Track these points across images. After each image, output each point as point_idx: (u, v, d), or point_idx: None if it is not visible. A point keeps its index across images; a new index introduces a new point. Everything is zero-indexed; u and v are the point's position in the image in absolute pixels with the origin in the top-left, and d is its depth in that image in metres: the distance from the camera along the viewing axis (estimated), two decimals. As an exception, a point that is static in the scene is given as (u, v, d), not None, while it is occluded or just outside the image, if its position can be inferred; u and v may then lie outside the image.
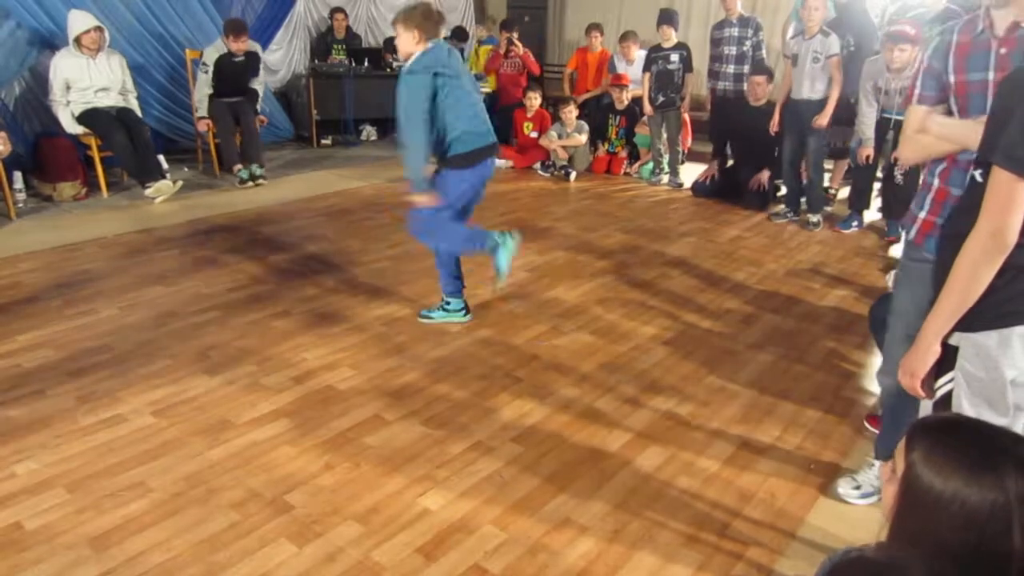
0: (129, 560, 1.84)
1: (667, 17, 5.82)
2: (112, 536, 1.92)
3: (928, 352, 1.55)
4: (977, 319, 1.48)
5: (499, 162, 6.54)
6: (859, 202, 4.95)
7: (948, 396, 1.59)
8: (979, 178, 1.43)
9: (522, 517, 2.05)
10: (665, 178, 6.09)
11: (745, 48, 5.57)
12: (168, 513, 2.01)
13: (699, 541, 1.98)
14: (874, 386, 2.87)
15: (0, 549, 1.86)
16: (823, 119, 4.72)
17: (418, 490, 2.15)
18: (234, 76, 5.64)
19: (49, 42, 5.14)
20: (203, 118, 5.58)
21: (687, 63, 5.83)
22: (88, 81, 4.98)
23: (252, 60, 5.73)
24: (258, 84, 5.85)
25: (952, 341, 1.55)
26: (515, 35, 7.05)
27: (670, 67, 5.80)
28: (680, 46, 5.83)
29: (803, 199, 5.14)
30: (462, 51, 8.17)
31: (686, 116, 6.19)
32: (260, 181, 5.63)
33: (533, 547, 1.94)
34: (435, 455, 2.32)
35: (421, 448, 2.35)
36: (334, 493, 2.12)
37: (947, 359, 1.57)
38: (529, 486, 2.18)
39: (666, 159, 6.18)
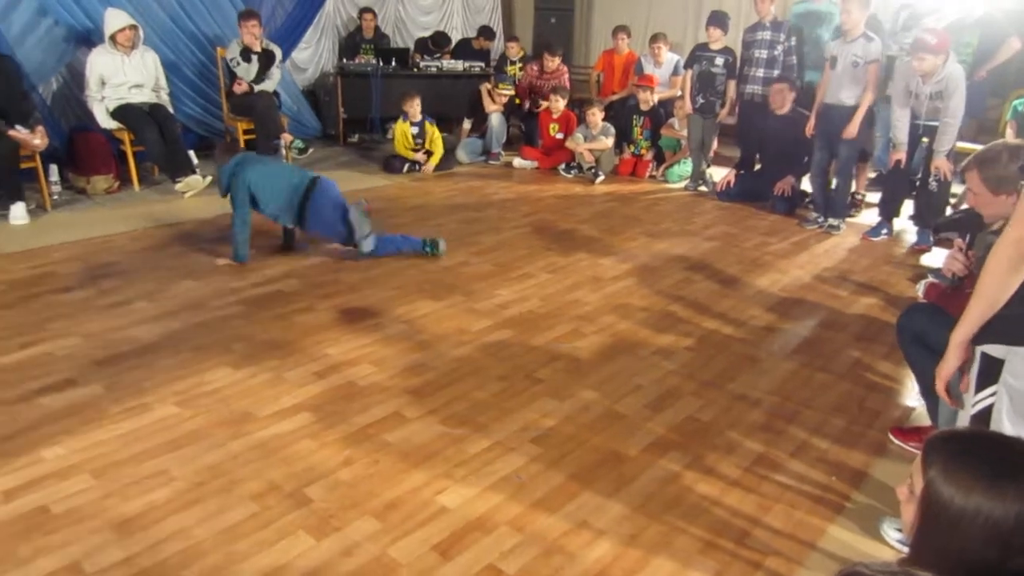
0: (151, 547, 1.87)
1: (717, 18, 5.69)
2: (136, 522, 1.96)
3: (951, 355, 1.57)
4: None
5: (524, 163, 6.61)
6: (889, 209, 4.86)
7: (986, 411, 1.55)
8: None
9: (539, 518, 2.05)
10: (704, 188, 6.00)
11: (776, 52, 5.50)
12: (190, 502, 2.04)
13: (717, 548, 1.96)
14: (900, 398, 2.83)
15: (27, 532, 1.91)
16: (852, 128, 4.64)
17: (436, 488, 2.15)
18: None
19: (85, 39, 5.26)
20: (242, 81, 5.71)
21: (731, 68, 5.72)
22: (122, 77, 5.09)
23: (267, 59, 5.77)
24: (269, 84, 5.83)
25: (998, 355, 1.51)
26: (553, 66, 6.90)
27: (713, 70, 5.72)
28: (726, 50, 5.72)
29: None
30: (488, 52, 8.18)
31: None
32: None
33: (549, 549, 1.93)
34: (453, 454, 2.33)
35: (440, 446, 2.36)
36: (353, 488, 2.14)
37: (989, 373, 1.53)
38: (547, 487, 2.18)
39: (690, 163, 6.13)
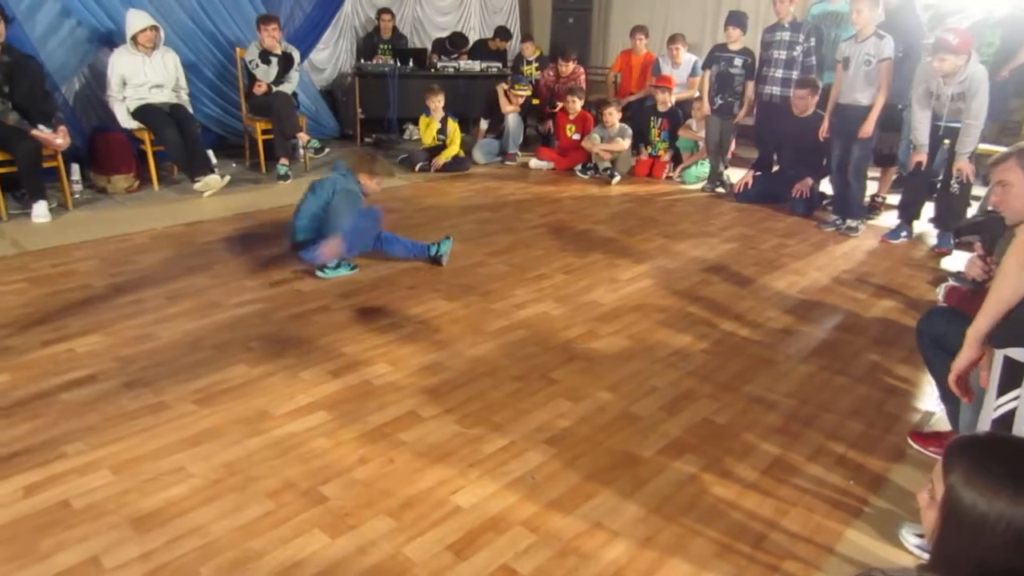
0: (169, 543, 1.89)
1: (735, 19, 5.63)
2: (154, 518, 1.98)
3: (966, 350, 1.60)
4: None
5: (540, 163, 6.61)
6: (908, 212, 4.80)
7: (1009, 415, 1.54)
8: None
9: (554, 519, 2.04)
10: (721, 189, 5.97)
11: (795, 53, 5.45)
12: (207, 499, 2.06)
13: (733, 551, 1.95)
14: (919, 402, 2.79)
15: (48, 527, 1.93)
16: (868, 127, 4.59)
17: (451, 487, 2.16)
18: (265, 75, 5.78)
19: (107, 40, 5.33)
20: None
21: (750, 70, 5.66)
22: (143, 78, 5.15)
23: (286, 62, 5.80)
24: (288, 86, 5.88)
25: (1020, 358, 1.50)
26: (571, 77, 6.94)
27: (732, 71, 5.67)
28: (745, 51, 5.67)
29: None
30: (505, 52, 8.19)
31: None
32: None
33: (564, 549, 1.93)
34: (468, 454, 2.33)
35: (455, 446, 2.37)
36: (368, 487, 2.15)
37: (1012, 377, 1.53)
38: (561, 488, 2.18)
39: (707, 164, 6.09)
